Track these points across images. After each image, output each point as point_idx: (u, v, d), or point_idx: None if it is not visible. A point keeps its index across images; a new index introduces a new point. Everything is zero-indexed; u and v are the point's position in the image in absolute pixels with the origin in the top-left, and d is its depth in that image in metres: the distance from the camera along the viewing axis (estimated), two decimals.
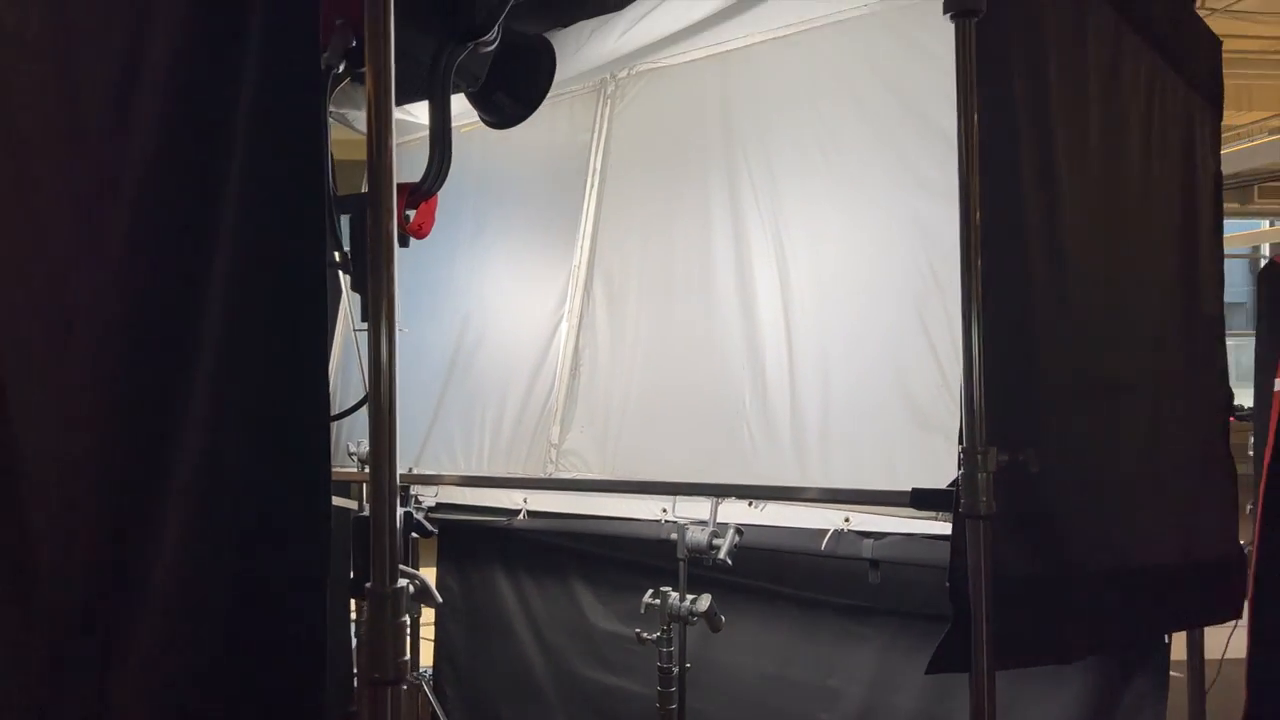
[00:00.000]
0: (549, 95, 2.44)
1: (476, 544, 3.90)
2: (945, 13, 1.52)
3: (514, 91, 2.06)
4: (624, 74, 3.06)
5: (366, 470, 1.34)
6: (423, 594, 1.54)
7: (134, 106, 1.53)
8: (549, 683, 3.67)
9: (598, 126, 3.08)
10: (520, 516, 3.58)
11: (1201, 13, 7.55)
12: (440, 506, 3.99)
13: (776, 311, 2.59)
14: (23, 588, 1.65)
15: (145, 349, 1.44)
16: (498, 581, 3.87)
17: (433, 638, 4.14)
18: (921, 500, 1.74)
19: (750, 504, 2.54)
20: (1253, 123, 9.14)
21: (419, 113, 3.40)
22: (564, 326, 2.99)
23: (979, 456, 1.49)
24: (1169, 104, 2.22)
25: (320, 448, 1.35)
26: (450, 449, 3.21)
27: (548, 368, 3.00)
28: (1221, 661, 3.73)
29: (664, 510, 2.75)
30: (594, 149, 3.06)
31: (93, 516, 1.56)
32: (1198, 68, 2.42)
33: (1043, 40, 1.76)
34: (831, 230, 2.55)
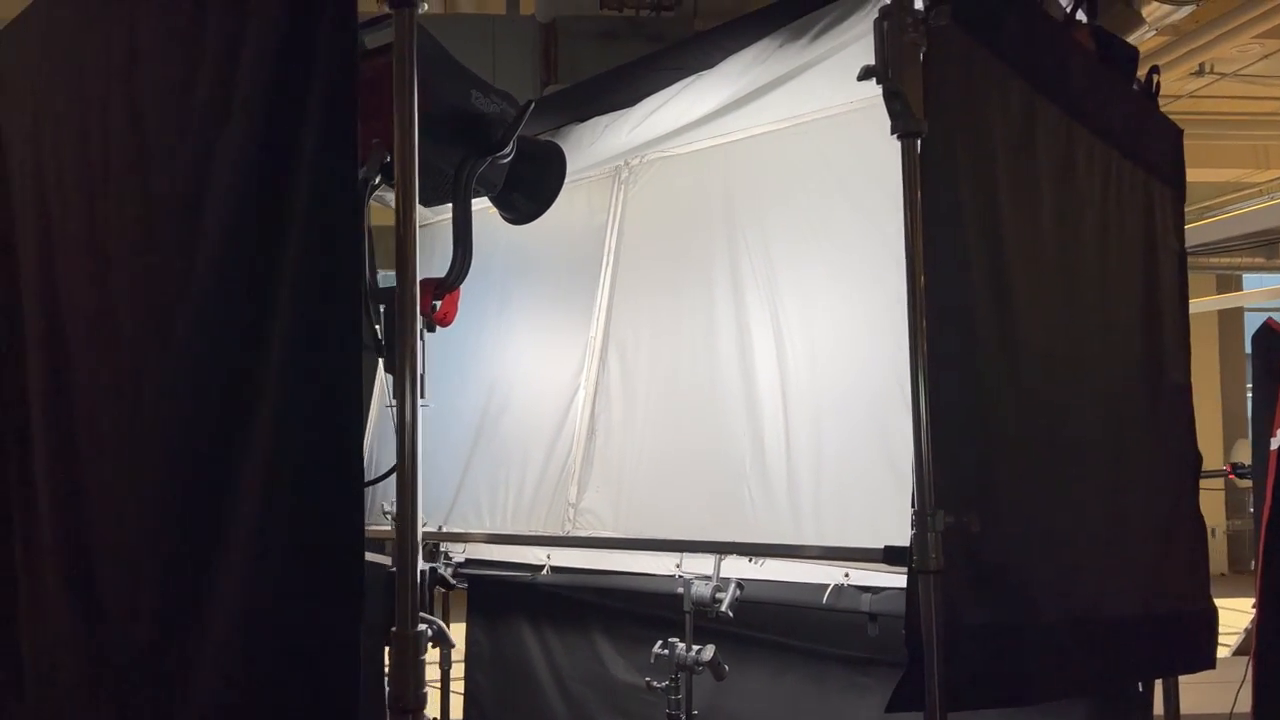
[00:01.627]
0: (569, 180, 2.70)
1: (503, 598, 4.10)
2: (892, 134, 1.76)
3: (529, 192, 2.32)
4: (637, 161, 3.33)
5: None
6: (439, 637, 1.76)
7: (204, 214, 1.80)
8: None
9: (613, 209, 3.35)
10: (544, 572, 3.79)
11: (1210, 77, 7.79)
12: (469, 562, 4.21)
13: (773, 379, 2.81)
14: (92, 645, 1.88)
15: (206, 434, 1.69)
16: (523, 634, 4.07)
17: (463, 690, 4.34)
18: (892, 556, 1.94)
19: (751, 560, 2.75)
20: (1271, 180, 9.29)
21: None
22: (581, 393, 3.23)
23: (928, 518, 1.69)
24: (1125, 190, 2.43)
25: (354, 520, 1.56)
26: (477, 508, 3.45)
27: (566, 432, 3.23)
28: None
29: (676, 565, 2.95)
30: (609, 230, 3.33)
31: (157, 581, 1.79)
32: (1156, 156, 2.63)
33: (991, 146, 1.99)
34: (823, 305, 2.78)
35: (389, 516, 3.62)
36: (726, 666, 2.72)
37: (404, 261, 1.65)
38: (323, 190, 1.67)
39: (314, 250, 1.67)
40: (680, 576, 2.79)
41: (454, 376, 3.69)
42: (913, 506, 1.73)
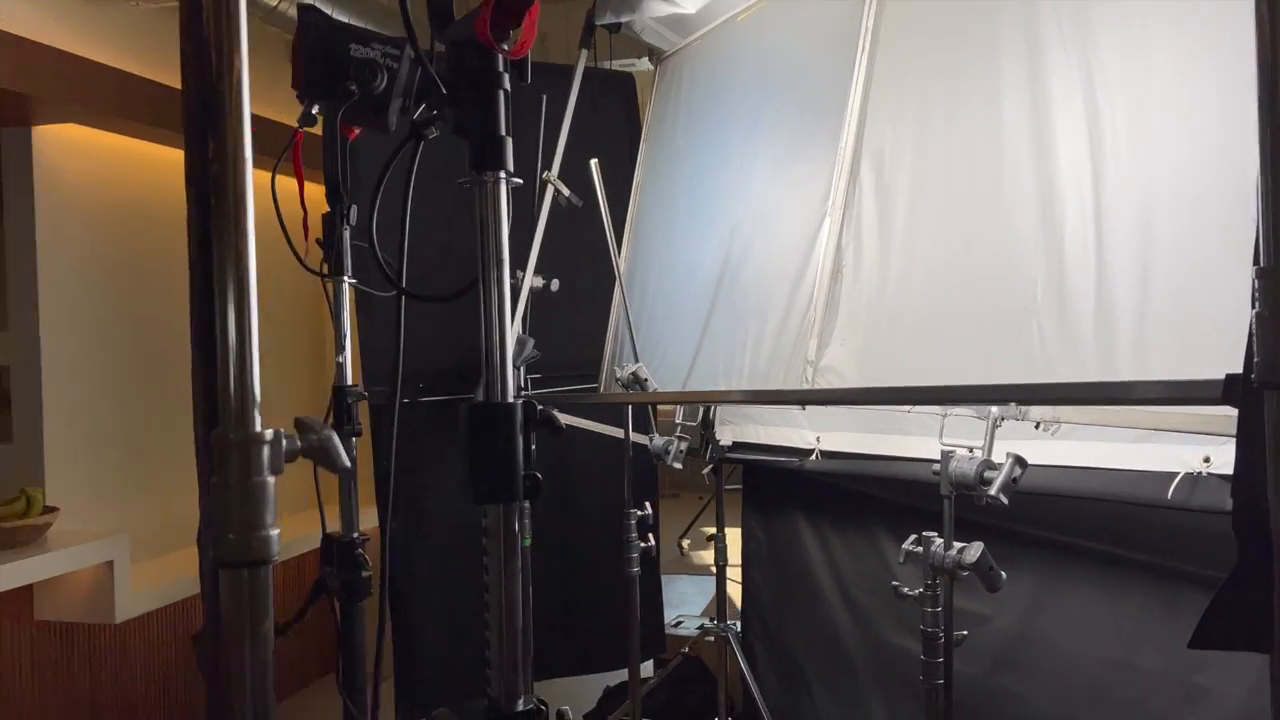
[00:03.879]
0: None
1: (776, 488, 3.53)
2: None
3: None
4: None
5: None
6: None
7: None
8: (855, 644, 3.21)
9: None
10: (813, 457, 3.15)
11: None
12: (736, 446, 3.66)
13: (1081, 171, 1.91)
14: None
15: None
16: (800, 529, 3.47)
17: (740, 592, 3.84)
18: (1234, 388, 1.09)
19: (1040, 426, 1.90)
20: None
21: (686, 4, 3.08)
22: (826, 223, 2.50)
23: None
24: None
25: None
26: (713, 371, 2.86)
27: (809, 274, 2.53)
28: None
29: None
30: (866, 7, 2.52)
31: None
32: None
33: None
34: (1163, 59, 1.82)
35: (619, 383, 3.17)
36: (1002, 573, 1.92)
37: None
38: None
39: None
40: (943, 451, 2.02)
41: (699, 223, 3.11)
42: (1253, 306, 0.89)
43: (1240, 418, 0.96)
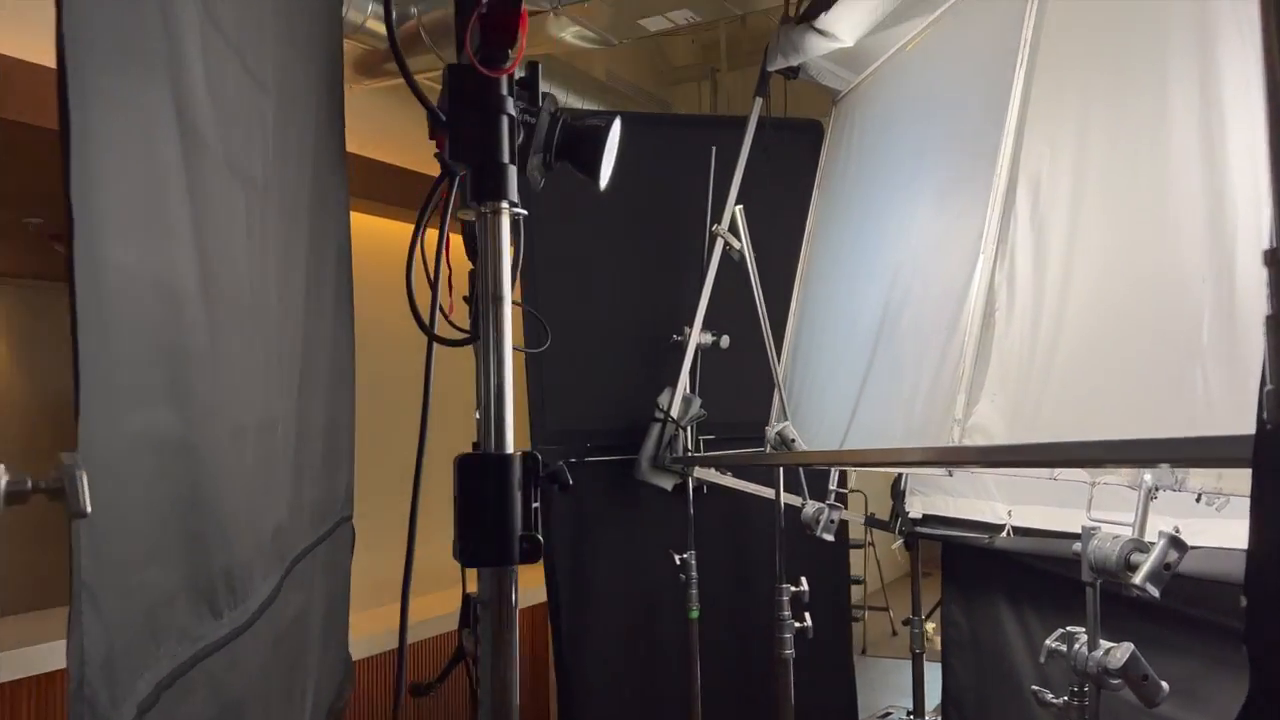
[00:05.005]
0: None
1: (974, 567, 3.14)
2: None
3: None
4: None
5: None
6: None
7: None
8: None
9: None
10: (1004, 533, 2.76)
11: None
12: (927, 519, 3.30)
13: (1259, 194, 1.52)
14: None
15: None
16: (1000, 614, 3.05)
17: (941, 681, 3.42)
18: None
19: (1204, 501, 1.50)
20: None
21: (843, 33, 2.87)
22: (980, 261, 2.18)
23: None
24: None
25: None
26: (870, 430, 2.57)
27: (962, 321, 2.21)
28: None
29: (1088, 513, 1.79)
30: (1027, 14, 2.21)
31: None
32: None
33: None
34: None
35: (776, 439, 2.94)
36: (1162, 684, 1.51)
37: None
38: None
39: None
40: (1085, 528, 1.64)
41: (863, 270, 2.85)
42: None
43: (1256, 467, 0.65)
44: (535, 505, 1.39)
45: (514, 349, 2.73)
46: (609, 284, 3.59)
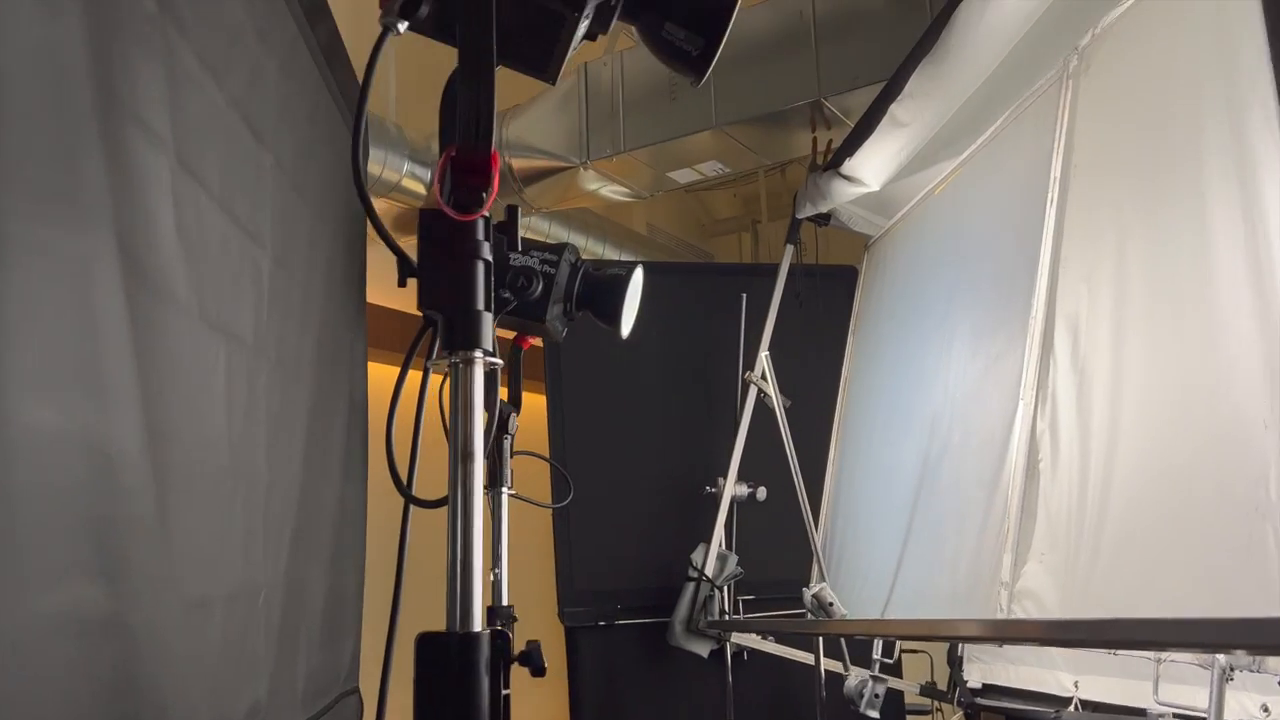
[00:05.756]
0: (1008, 114, 1.73)
1: None
2: None
3: (683, 17, 1.41)
4: (1086, 40, 2.11)
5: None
6: None
7: None
8: None
9: (1059, 120, 2.14)
10: (1072, 708, 2.49)
11: None
12: (987, 689, 3.02)
13: None
14: None
15: None
16: None
17: None
18: None
19: None
20: None
21: (869, 178, 2.82)
22: (1020, 410, 2.02)
23: None
24: None
25: None
26: (912, 594, 2.36)
27: (1005, 474, 2.04)
28: None
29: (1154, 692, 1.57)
30: (1055, 150, 2.12)
31: None
32: None
33: None
34: None
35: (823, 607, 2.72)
36: None
37: None
38: None
39: None
40: (1152, 715, 1.42)
41: (899, 419, 2.70)
42: None
43: None
44: (505, 693, 1.22)
45: (538, 504, 2.60)
46: (639, 434, 3.47)
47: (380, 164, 3.63)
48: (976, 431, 2.21)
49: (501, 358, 2.20)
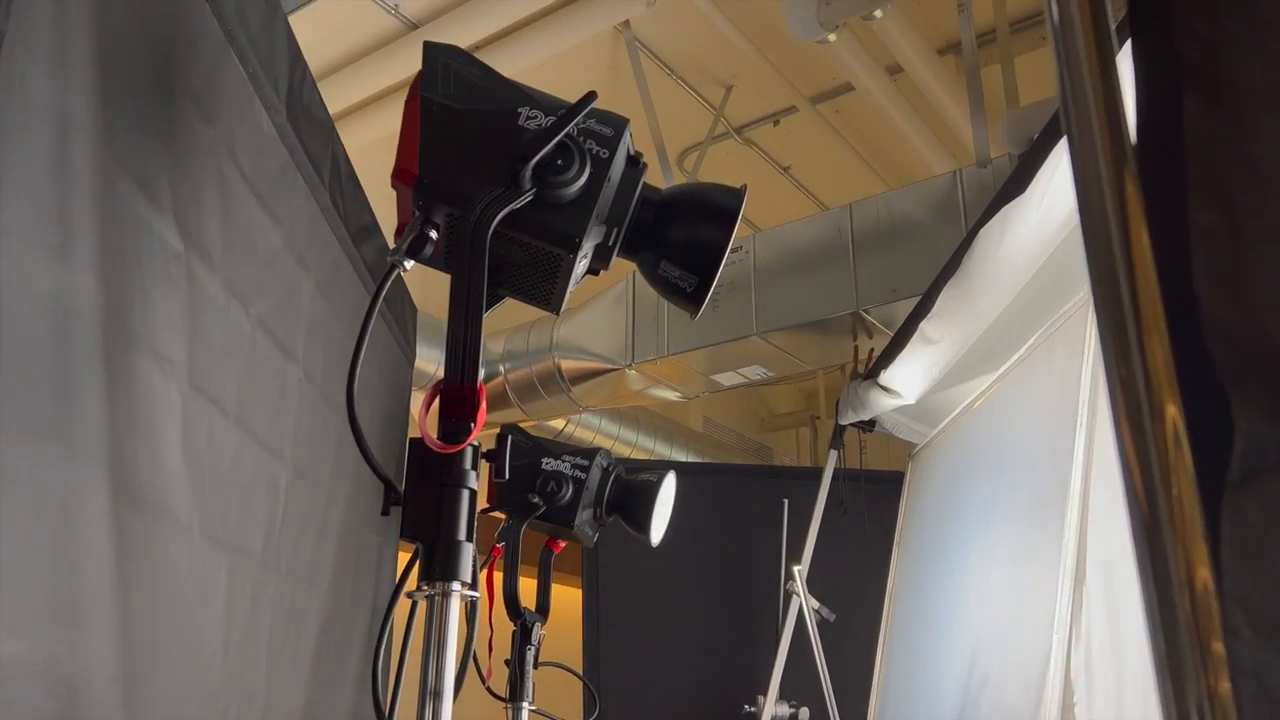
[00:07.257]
0: (1041, 332, 1.72)
1: None
2: None
3: (678, 256, 1.43)
4: None
5: None
6: None
7: None
8: None
9: (1087, 343, 2.11)
10: None
11: None
12: None
13: None
14: None
15: None
16: None
17: None
18: None
19: None
20: None
21: (904, 390, 2.79)
22: (1054, 650, 1.90)
23: None
24: None
25: None
26: None
27: (1042, 717, 1.90)
28: None
29: None
30: (1083, 374, 2.08)
31: None
32: None
33: None
34: None
35: None
36: None
37: None
38: None
39: None
40: None
41: (942, 642, 2.57)
42: None
43: None
44: None
45: (541, 714, 2.49)
46: (678, 644, 3.36)
47: (436, 363, 3.74)
48: (1015, 666, 2.08)
49: (533, 563, 2.17)
